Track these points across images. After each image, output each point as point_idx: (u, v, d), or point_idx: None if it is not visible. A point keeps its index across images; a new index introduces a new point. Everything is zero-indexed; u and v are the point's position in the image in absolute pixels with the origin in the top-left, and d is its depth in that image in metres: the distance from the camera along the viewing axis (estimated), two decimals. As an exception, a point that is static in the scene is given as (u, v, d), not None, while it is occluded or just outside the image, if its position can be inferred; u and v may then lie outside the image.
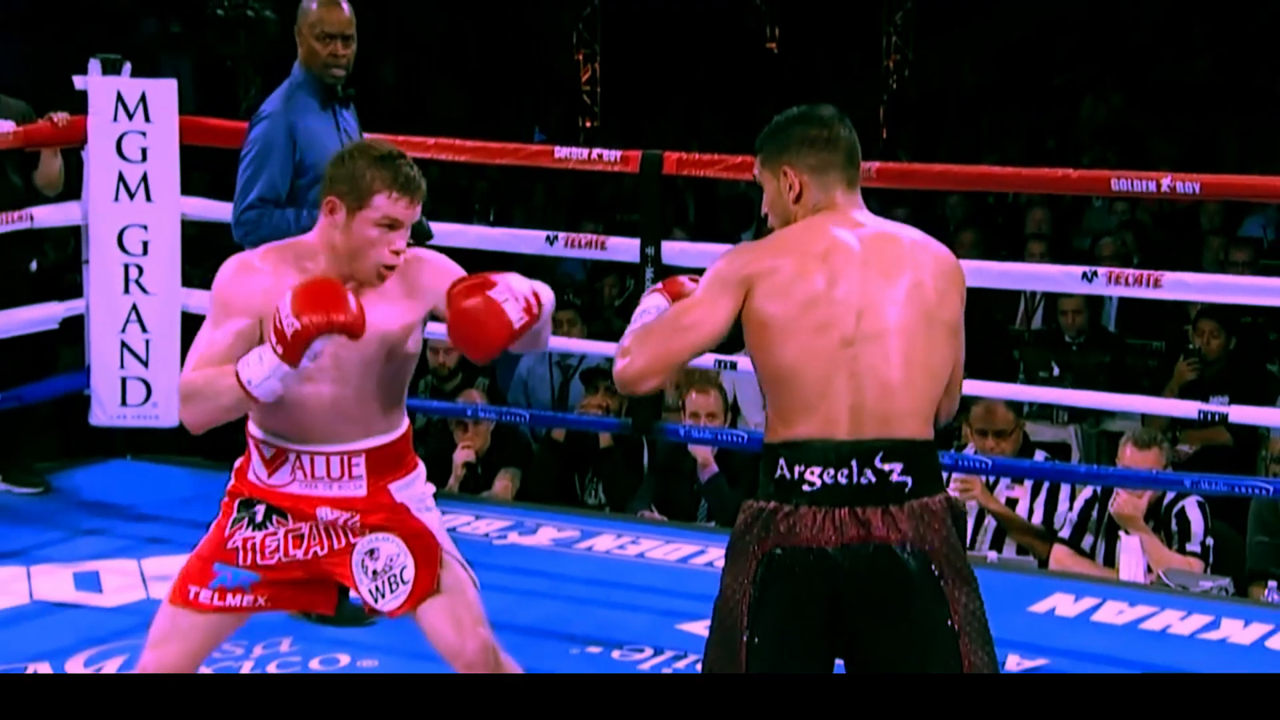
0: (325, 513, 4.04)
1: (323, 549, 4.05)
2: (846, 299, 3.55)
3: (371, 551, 4.04)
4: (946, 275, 3.68)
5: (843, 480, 3.46)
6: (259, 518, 4.04)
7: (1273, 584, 6.41)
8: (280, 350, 3.71)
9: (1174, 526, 6.57)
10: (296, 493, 4.03)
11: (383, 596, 4.05)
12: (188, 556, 4.12)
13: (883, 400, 3.50)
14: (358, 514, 4.04)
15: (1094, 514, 6.78)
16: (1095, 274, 6.61)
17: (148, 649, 4.09)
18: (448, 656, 4.08)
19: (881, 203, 12.28)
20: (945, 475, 6.90)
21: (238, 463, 4.13)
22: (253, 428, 4.05)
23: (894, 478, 3.47)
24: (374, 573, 4.04)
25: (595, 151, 6.90)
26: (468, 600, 4.08)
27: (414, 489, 4.10)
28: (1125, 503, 6.53)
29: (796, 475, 3.50)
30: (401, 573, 4.04)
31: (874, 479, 3.46)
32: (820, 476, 3.48)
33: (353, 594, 4.16)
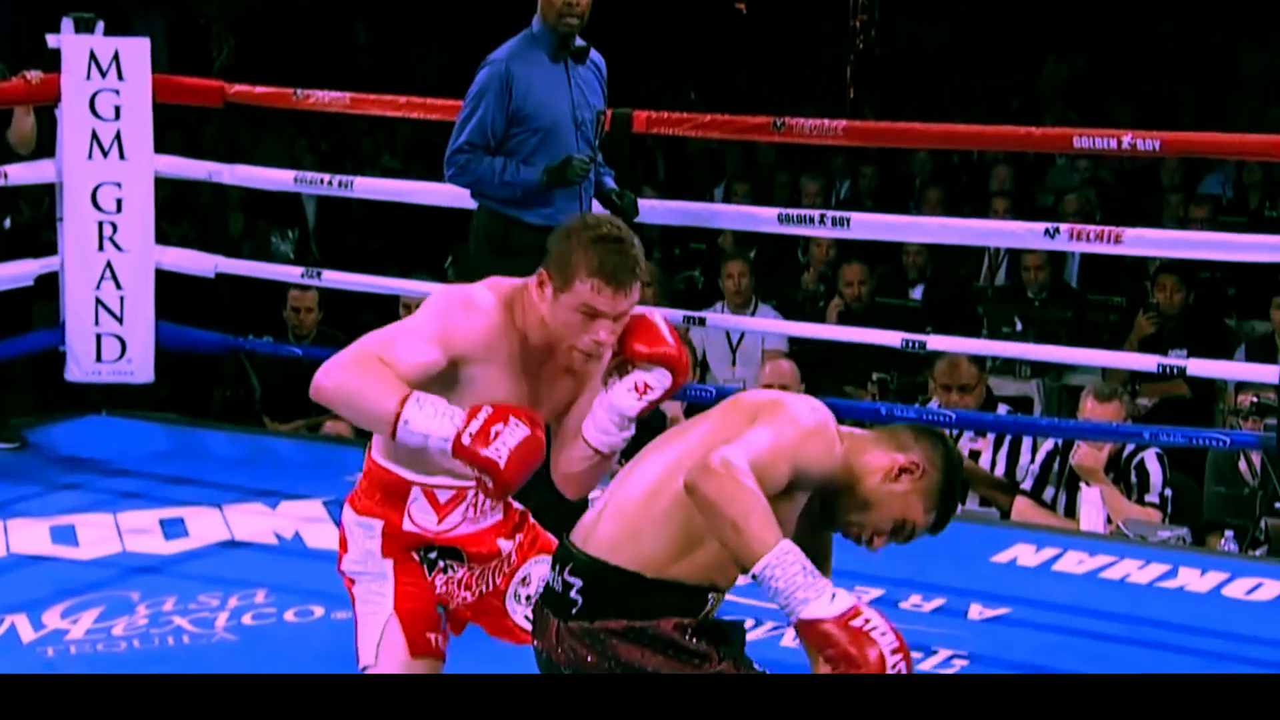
0: (505, 544, 3.90)
1: (488, 587, 3.91)
2: None
3: (524, 579, 3.93)
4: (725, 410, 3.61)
5: (552, 582, 3.46)
6: (442, 565, 3.84)
7: (1229, 533, 6.44)
8: (456, 447, 3.44)
9: (1133, 478, 6.58)
10: (465, 533, 3.83)
11: None
12: (373, 623, 3.81)
13: (601, 518, 3.48)
14: (522, 536, 3.94)
15: (1055, 466, 6.80)
16: (1057, 231, 6.63)
17: None
18: None
19: (849, 161, 12.32)
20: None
21: (377, 525, 3.80)
22: (419, 478, 3.76)
23: (571, 594, 3.41)
24: (527, 599, 3.89)
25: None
26: None
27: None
28: (1085, 455, 6.54)
29: None
30: None
31: (559, 589, 3.43)
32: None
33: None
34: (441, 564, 3.84)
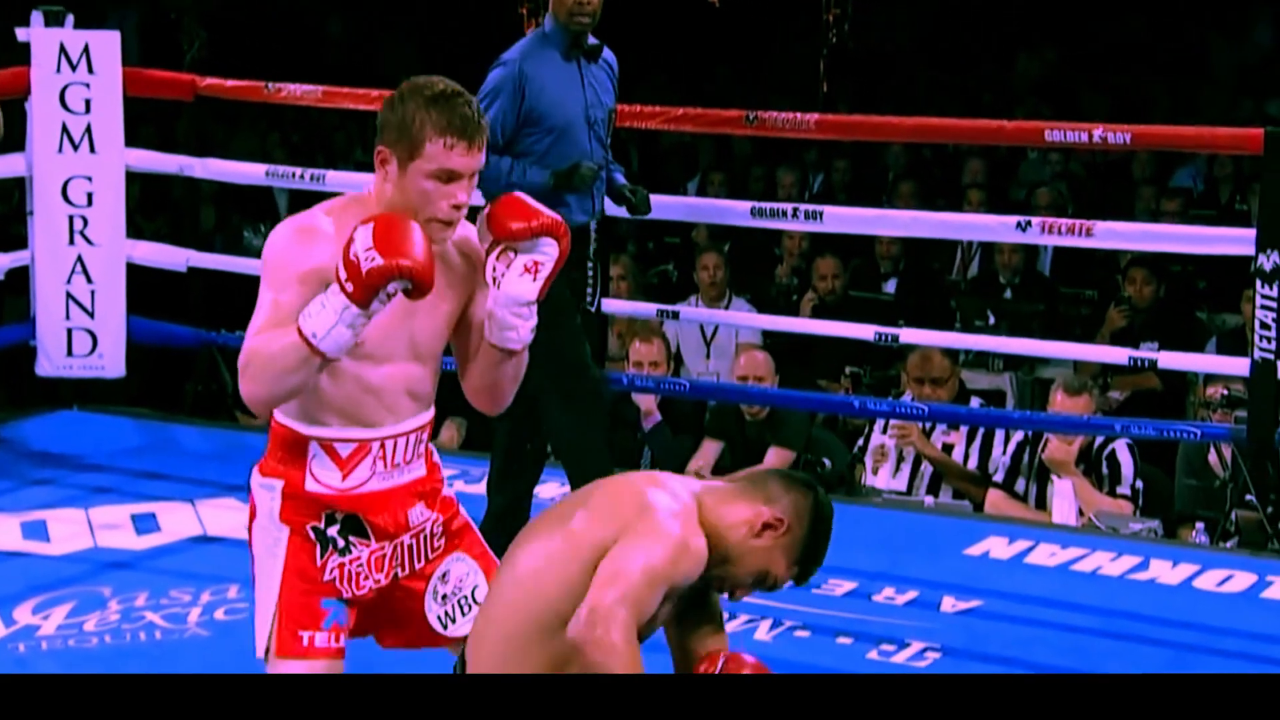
0: (419, 518, 3.66)
1: (404, 569, 3.64)
2: None
3: (444, 575, 3.70)
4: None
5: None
6: (341, 543, 3.56)
7: (1200, 525, 6.45)
8: (350, 289, 3.26)
9: (1104, 470, 6.62)
10: (374, 490, 3.57)
11: (453, 621, 3.71)
12: (267, 596, 3.58)
13: (482, 619, 3.64)
14: (441, 523, 3.70)
15: (1025, 458, 6.83)
16: (1029, 224, 6.65)
17: None
18: None
19: (823, 154, 12.33)
20: (884, 422, 6.99)
21: (278, 485, 3.59)
22: (315, 430, 3.55)
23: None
24: (444, 596, 3.70)
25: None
26: None
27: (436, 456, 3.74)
28: (1056, 448, 6.56)
29: None
30: (473, 593, 3.71)
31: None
32: None
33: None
34: (340, 543, 3.56)
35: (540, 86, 5.44)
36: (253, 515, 3.59)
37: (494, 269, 3.50)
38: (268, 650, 3.52)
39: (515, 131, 5.44)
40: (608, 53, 5.71)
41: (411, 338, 3.54)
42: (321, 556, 3.54)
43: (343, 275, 3.26)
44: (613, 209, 5.95)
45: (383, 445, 3.55)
